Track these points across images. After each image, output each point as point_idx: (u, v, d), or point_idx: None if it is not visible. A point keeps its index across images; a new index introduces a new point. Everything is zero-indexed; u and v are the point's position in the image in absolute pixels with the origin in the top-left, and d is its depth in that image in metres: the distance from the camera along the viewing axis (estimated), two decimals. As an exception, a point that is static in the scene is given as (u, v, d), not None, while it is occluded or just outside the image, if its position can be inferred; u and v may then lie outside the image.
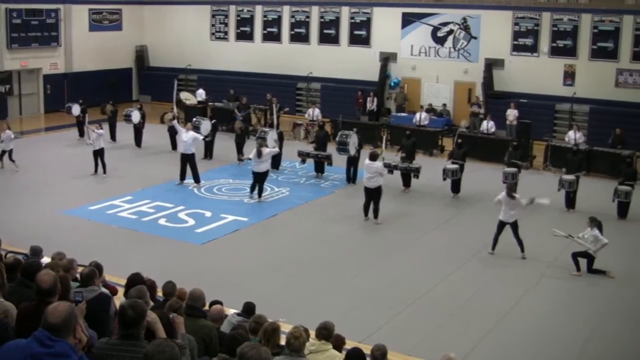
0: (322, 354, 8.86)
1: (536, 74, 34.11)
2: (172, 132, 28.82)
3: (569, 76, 33.88)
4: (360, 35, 38.61)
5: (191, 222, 21.06)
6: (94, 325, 7.35)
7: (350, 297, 15.98)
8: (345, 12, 38.92)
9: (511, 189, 18.94)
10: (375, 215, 21.35)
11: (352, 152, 24.99)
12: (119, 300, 9.36)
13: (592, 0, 33.47)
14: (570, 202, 23.10)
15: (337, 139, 25.94)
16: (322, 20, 39.62)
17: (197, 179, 24.62)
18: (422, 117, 32.34)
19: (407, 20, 37.12)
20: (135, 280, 10.11)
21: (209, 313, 10.05)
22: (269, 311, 10.69)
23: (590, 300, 16.26)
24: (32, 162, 27.07)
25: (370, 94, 36.30)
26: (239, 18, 42.21)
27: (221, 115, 33.70)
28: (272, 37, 41.14)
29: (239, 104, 33.87)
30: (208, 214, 21.76)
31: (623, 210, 22.32)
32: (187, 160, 24.43)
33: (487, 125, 30.88)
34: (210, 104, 36.25)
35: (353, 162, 25.39)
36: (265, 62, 40.53)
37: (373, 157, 21.27)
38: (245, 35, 42.05)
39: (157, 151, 30.11)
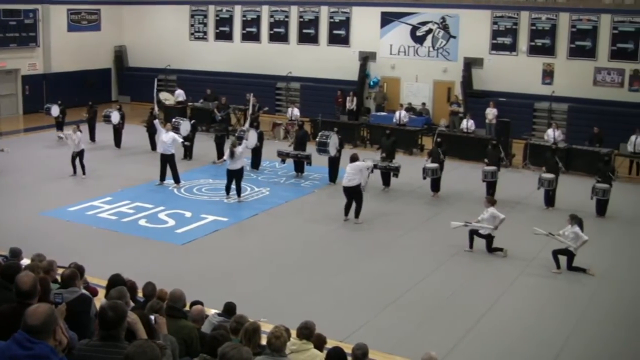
0: (303, 353, 8.86)
1: (515, 73, 34.27)
2: (152, 132, 28.79)
3: (548, 75, 34.06)
4: (340, 35, 38.66)
5: (171, 222, 21.01)
6: (75, 326, 7.33)
7: (331, 296, 15.99)
8: (324, 12, 38.96)
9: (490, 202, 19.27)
10: (356, 215, 21.36)
11: (332, 152, 24.96)
12: (99, 301, 9.33)
13: (570, -1, 33.70)
14: (550, 200, 23.20)
15: (317, 139, 25.92)
16: (301, 19, 39.64)
17: (177, 180, 24.56)
18: (401, 116, 32.41)
19: (386, 20, 37.21)
20: (115, 281, 10.07)
21: (190, 313, 10.04)
22: (250, 311, 10.68)
23: (570, 298, 16.33)
24: (11, 163, 26.90)
25: (350, 93, 36.35)
26: (218, 18, 42.18)
27: (200, 115, 33.66)
28: (251, 36, 41.13)
29: (218, 104, 33.81)
30: (188, 214, 21.72)
31: (602, 208, 22.45)
32: (167, 160, 24.36)
33: (467, 124, 30.99)
34: (189, 104, 36.19)
35: (334, 162, 25.38)
36: (245, 62, 40.52)
37: (353, 159, 21.32)
38: (224, 35, 42.03)
39: (136, 152, 30.04)
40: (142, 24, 44.54)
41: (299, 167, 26.75)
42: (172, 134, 24.60)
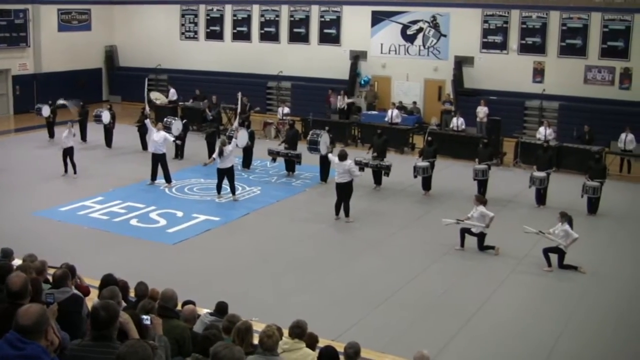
0: (295, 352, 8.86)
1: (506, 71, 34.33)
2: (143, 132, 28.78)
3: (538, 73, 34.12)
4: (330, 34, 38.68)
5: (163, 222, 20.99)
6: (67, 327, 7.32)
7: (323, 295, 15.99)
8: (315, 11, 38.97)
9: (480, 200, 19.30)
10: (347, 214, 21.39)
11: (324, 151, 24.93)
12: (91, 301, 9.32)
13: (560, -3, 33.75)
14: (541, 198, 23.25)
15: (308, 138, 25.92)
16: (292, 19, 39.64)
17: (168, 179, 24.53)
18: (393, 115, 32.45)
19: (377, 19, 37.24)
20: (107, 281, 10.07)
21: (182, 313, 10.03)
22: (242, 310, 10.67)
23: (561, 296, 16.36)
24: (2, 164, 26.85)
25: (341, 92, 36.36)
26: (208, 17, 42.15)
27: (192, 114, 33.65)
28: (242, 36, 41.13)
29: (209, 103, 33.79)
30: (180, 214, 21.70)
31: (593, 205, 22.50)
32: (158, 160, 24.33)
33: (457, 123, 31.04)
34: (180, 103, 36.17)
35: (325, 161, 25.37)
36: (236, 62, 40.50)
37: (342, 157, 21.31)
38: (215, 35, 42.00)
39: (127, 151, 30.00)
40: (132, 24, 44.48)
41: (289, 166, 26.74)
42: (163, 133, 24.57)
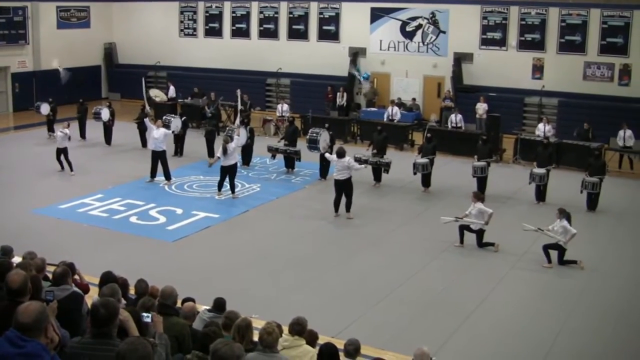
0: (295, 349, 8.87)
1: (505, 68, 34.30)
2: (142, 129, 28.78)
3: (538, 69, 34.10)
4: (329, 31, 38.65)
5: (162, 219, 20.99)
6: (66, 324, 7.32)
7: (323, 292, 16.00)
8: (314, 8, 38.94)
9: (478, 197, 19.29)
10: (348, 209, 21.40)
11: (323, 149, 24.89)
12: (91, 299, 9.32)
13: (559, -7, 33.74)
14: (541, 195, 23.25)
15: (307, 136, 25.88)
16: (291, 15, 39.61)
17: (168, 176, 24.52)
18: (393, 112, 32.46)
19: (376, 15, 37.20)
20: (107, 278, 10.07)
21: (181, 310, 10.03)
22: (242, 307, 10.67)
23: (561, 292, 16.36)
24: (1, 161, 26.85)
25: (340, 89, 36.37)
26: (207, 14, 42.11)
27: (191, 112, 33.65)
28: (240, 33, 41.08)
29: (208, 100, 33.78)
30: (179, 211, 21.70)
31: (592, 202, 22.51)
32: (159, 157, 24.32)
33: (456, 119, 31.03)
34: (180, 101, 36.15)
35: (325, 158, 25.34)
36: (235, 58, 40.48)
37: (340, 154, 21.30)
38: (214, 32, 41.97)
39: (127, 149, 30.00)
40: (131, 21, 44.43)
41: (289, 163, 26.75)
42: (162, 130, 24.57)
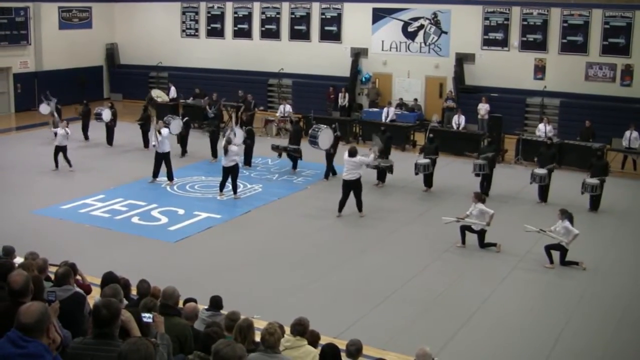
0: (297, 350, 8.87)
1: (507, 68, 34.30)
2: (145, 130, 28.81)
3: (540, 70, 34.09)
4: (331, 31, 38.65)
5: (164, 220, 20.99)
6: (68, 324, 7.34)
7: (324, 292, 16.00)
8: (315, 8, 38.94)
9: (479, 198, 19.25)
10: (359, 209, 21.45)
11: (324, 145, 24.91)
12: (92, 299, 9.32)
13: (561, -6, 33.73)
14: (543, 195, 23.23)
15: (309, 131, 26.01)
16: (293, 16, 39.62)
17: (170, 177, 24.52)
18: (390, 113, 32.51)
19: (378, 16, 37.20)
20: (109, 279, 10.07)
21: (183, 311, 10.03)
22: (244, 308, 10.69)
23: (563, 293, 16.35)
24: (3, 162, 26.86)
25: (342, 89, 36.39)
26: (209, 15, 42.12)
27: (193, 112, 33.65)
28: (242, 33, 41.09)
29: (210, 101, 33.78)
30: (181, 211, 21.70)
31: (594, 202, 22.50)
32: (162, 157, 24.31)
33: (458, 121, 31.04)
34: (182, 101, 36.17)
35: (329, 158, 25.36)
36: (236, 59, 40.51)
37: (352, 153, 21.29)
38: (215, 32, 41.98)
39: (129, 149, 30.01)
40: (133, 22, 44.47)
41: (293, 162, 26.77)
42: (165, 130, 24.52)
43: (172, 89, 37.48)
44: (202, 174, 25.87)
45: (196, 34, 42.73)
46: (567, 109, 32.64)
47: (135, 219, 21.04)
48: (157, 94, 37.16)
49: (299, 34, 39.52)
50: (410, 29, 36.57)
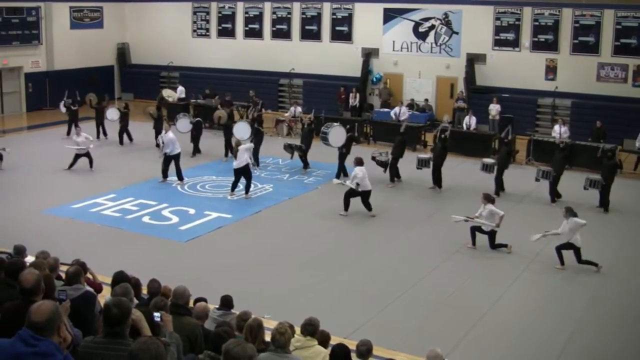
0: (307, 350, 8.86)
1: (518, 69, 34.23)
2: (158, 130, 28.81)
3: (551, 70, 34.02)
4: (342, 31, 38.65)
5: (175, 219, 21.01)
6: (79, 323, 7.34)
7: (335, 293, 15.99)
8: (326, 8, 38.93)
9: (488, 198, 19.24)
10: (369, 209, 21.54)
11: (334, 143, 25.03)
12: (103, 298, 9.33)
13: (573, -6, 33.65)
14: (553, 195, 23.20)
15: (321, 128, 26.16)
16: (304, 16, 39.63)
17: (180, 177, 24.55)
18: (400, 112, 32.51)
19: (389, 16, 37.18)
20: (119, 278, 10.08)
21: (194, 310, 10.04)
22: (254, 308, 10.69)
23: (574, 295, 16.29)
24: (15, 161, 26.90)
25: (353, 89, 36.38)
26: (220, 15, 42.17)
27: (204, 112, 33.66)
28: (253, 33, 41.12)
29: (221, 101, 33.80)
30: (192, 211, 21.72)
31: (604, 201, 22.44)
32: (172, 159, 24.33)
33: (470, 122, 31.02)
34: (192, 101, 36.22)
35: (341, 158, 25.36)
36: (247, 59, 40.56)
37: (360, 162, 21.43)
38: (226, 32, 42.02)
39: (140, 148, 30.03)
40: (144, 21, 44.54)
41: (303, 162, 26.82)
42: (169, 135, 24.50)
43: (180, 88, 37.58)
44: (213, 174, 25.89)
45: (207, 34, 42.77)
46: (579, 110, 32.56)
47: (146, 219, 21.07)
48: (168, 94, 37.25)
49: (310, 34, 39.52)
50: (421, 29, 36.54)
